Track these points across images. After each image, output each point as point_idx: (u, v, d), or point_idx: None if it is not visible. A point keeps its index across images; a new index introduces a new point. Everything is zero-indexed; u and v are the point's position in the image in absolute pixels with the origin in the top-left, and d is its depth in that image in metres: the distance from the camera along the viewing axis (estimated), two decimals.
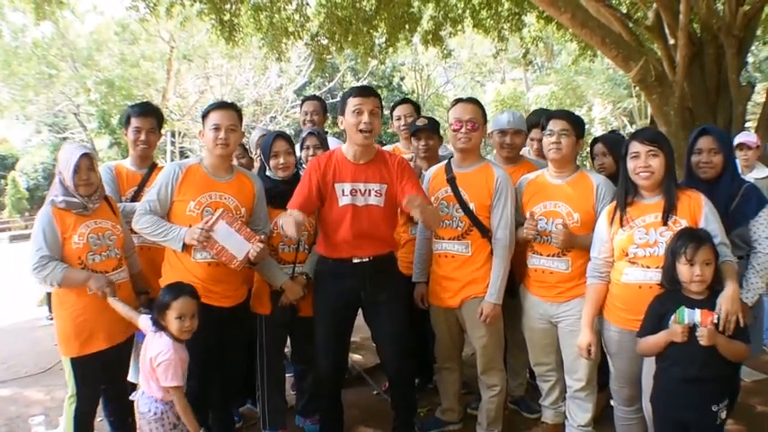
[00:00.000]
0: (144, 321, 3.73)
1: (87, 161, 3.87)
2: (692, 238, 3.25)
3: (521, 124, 4.70)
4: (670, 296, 3.33)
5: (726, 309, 3.18)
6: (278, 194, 4.32)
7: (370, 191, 4.05)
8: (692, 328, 3.18)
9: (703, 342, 3.13)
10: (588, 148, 4.97)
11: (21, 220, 34.54)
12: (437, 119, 5.29)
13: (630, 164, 3.56)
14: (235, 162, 4.81)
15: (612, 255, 3.68)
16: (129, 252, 4.29)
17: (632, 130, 20.97)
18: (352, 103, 3.92)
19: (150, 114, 4.73)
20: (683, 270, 3.24)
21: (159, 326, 3.61)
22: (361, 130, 3.90)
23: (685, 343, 3.18)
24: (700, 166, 3.83)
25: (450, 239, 4.25)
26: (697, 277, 3.19)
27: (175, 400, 3.55)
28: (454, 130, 4.22)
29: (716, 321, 3.17)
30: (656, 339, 3.31)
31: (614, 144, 4.52)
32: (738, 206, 3.72)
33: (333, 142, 5.30)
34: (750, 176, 5.53)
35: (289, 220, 3.62)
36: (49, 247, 3.75)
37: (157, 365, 3.53)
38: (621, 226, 3.59)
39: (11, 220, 34.89)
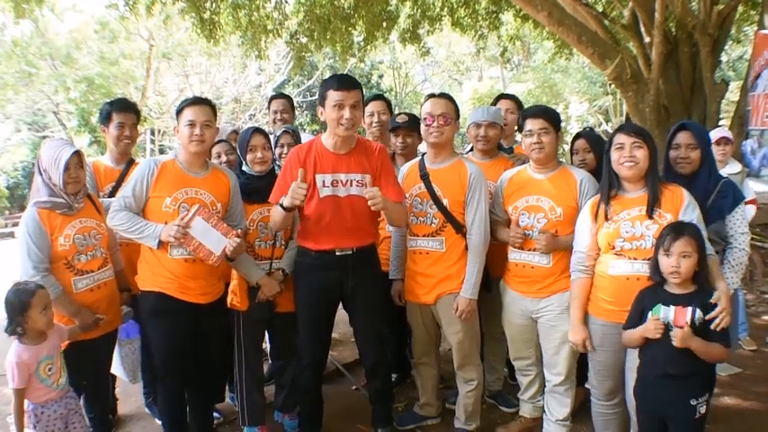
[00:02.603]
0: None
1: (77, 159, 3.87)
2: (673, 229, 3.28)
3: (496, 117, 4.69)
4: (652, 291, 3.37)
5: (721, 307, 3.20)
6: (254, 190, 4.32)
7: (351, 181, 4.02)
8: (669, 325, 3.21)
9: (675, 344, 3.15)
10: (569, 144, 4.99)
11: (1, 218, 34.28)
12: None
13: (615, 155, 3.59)
14: (224, 159, 4.79)
15: (595, 248, 3.71)
16: (112, 249, 4.29)
17: (608, 128, 21.11)
18: (333, 96, 3.85)
19: (131, 110, 4.75)
20: (662, 261, 3.28)
21: (16, 332, 3.51)
22: (341, 125, 3.86)
23: (663, 339, 3.20)
24: (677, 162, 3.86)
25: (424, 236, 4.26)
26: (672, 268, 3.22)
27: (13, 401, 3.52)
28: (426, 125, 4.23)
29: (688, 321, 3.18)
30: (634, 334, 3.35)
31: (597, 140, 4.56)
32: (715, 202, 3.75)
33: (306, 139, 5.25)
34: (723, 171, 5.58)
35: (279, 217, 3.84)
36: (43, 252, 3.75)
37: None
38: (606, 220, 3.61)
39: None
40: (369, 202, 3.66)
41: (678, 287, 3.28)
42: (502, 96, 5.71)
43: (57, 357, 3.64)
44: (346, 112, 3.83)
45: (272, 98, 6.41)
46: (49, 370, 3.57)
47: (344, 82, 3.91)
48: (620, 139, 3.58)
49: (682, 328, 3.17)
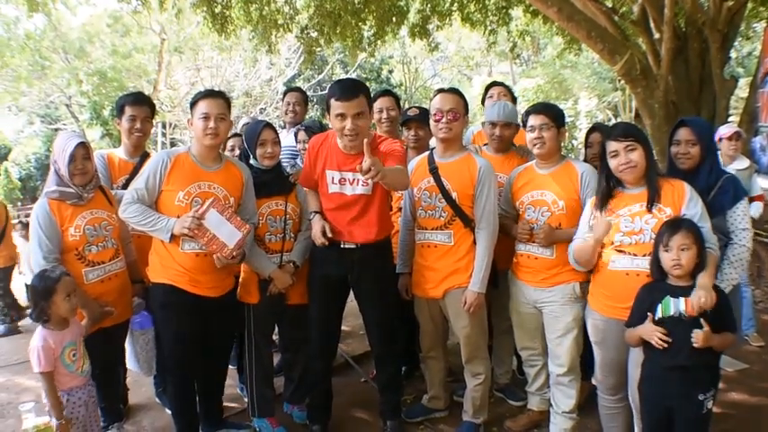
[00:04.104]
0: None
1: (83, 150, 3.90)
2: (670, 225, 3.31)
3: (511, 117, 4.67)
4: (655, 287, 3.38)
5: (698, 300, 3.18)
6: (262, 184, 4.32)
7: (358, 180, 4.04)
8: (678, 318, 3.23)
9: (697, 345, 3.15)
10: (583, 138, 5.02)
11: (13, 209, 34.43)
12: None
13: (612, 162, 3.60)
14: (237, 152, 4.80)
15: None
16: (125, 241, 4.33)
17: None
18: (335, 107, 3.86)
19: (144, 103, 4.76)
20: (662, 257, 3.31)
21: (41, 319, 3.56)
22: (345, 135, 3.89)
23: (672, 331, 3.22)
24: (678, 157, 3.87)
25: (432, 229, 4.27)
26: (673, 261, 3.24)
27: (42, 384, 3.56)
28: (435, 121, 4.22)
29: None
30: (634, 332, 3.39)
31: None
32: (716, 197, 3.75)
33: None
34: (731, 167, 5.60)
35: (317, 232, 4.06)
36: (52, 242, 3.81)
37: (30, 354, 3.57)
38: (607, 212, 3.65)
39: None
40: (365, 177, 3.54)
41: (681, 280, 3.30)
42: (493, 84, 5.71)
43: (79, 344, 3.70)
44: (348, 123, 3.84)
45: (287, 91, 6.56)
46: (74, 355, 3.63)
47: (346, 92, 3.86)
48: (613, 146, 3.59)
49: (693, 317, 3.20)
